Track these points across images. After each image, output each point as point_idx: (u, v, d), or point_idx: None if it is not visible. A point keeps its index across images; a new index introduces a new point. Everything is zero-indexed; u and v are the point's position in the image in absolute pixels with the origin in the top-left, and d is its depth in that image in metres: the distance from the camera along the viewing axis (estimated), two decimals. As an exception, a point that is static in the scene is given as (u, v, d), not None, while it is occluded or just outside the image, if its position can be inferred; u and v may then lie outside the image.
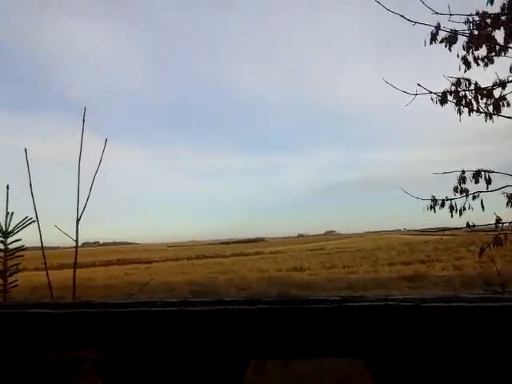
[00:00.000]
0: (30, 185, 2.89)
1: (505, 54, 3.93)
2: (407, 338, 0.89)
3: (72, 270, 3.24)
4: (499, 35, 3.94)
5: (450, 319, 0.89)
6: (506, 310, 0.88)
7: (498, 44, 3.89)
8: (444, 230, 4.69)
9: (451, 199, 4.26)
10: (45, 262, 3.00)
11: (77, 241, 2.85)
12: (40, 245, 3.02)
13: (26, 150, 2.68)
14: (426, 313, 0.90)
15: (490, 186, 4.16)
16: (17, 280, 3.20)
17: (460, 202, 4.25)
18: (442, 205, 4.27)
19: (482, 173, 4.15)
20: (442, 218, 4.42)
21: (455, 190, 4.27)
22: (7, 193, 3.13)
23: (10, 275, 3.23)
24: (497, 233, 4.17)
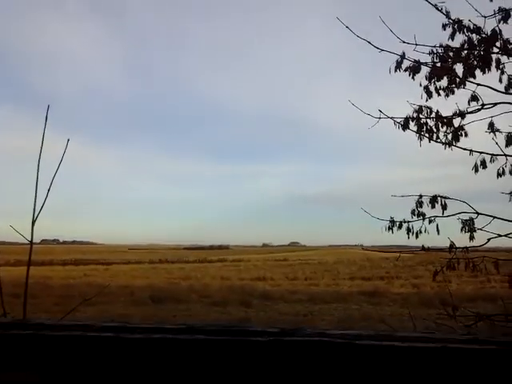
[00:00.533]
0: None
1: (464, 86, 4.14)
2: (339, 375, 0.89)
3: (31, 267, 3.15)
4: (460, 68, 4.16)
5: (382, 358, 0.89)
6: (437, 351, 0.88)
7: (458, 77, 4.09)
8: (401, 251, 4.84)
9: (408, 221, 4.40)
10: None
11: (31, 242, 2.80)
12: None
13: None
14: (358, 351, 0.90)
15: (445, 211, 4.34)
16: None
17: (417, 224, 4.40)
18: (400, 226, 4.41)
19: (439, 198, 4.32)
20: (402, 237, 4.56)
21: (413, 213, 4.41)
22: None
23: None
24: (450, 257, 4.33)
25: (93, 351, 0.91)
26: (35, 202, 3.02)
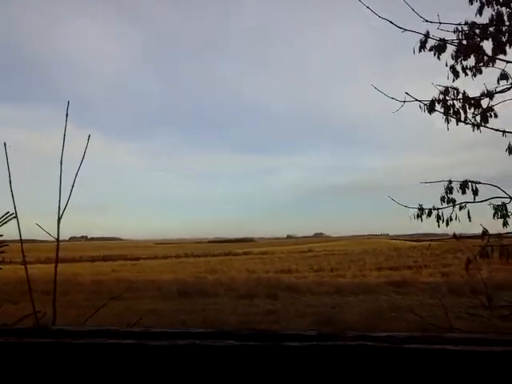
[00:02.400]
0: (10, 181, 2.83)
1: (493, 65, 3.95)
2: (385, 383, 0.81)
3: (60, 264, 3.18)
4: (488, 46, 3.97)
5: (432, 364, 0.80)
6: (495, 356, 0.78)
7: (487, 55, 3.91)
8: (431, 239, 4.69)
9: (438, 209, 4.25)
10: (24, 262, 2.95)
11: (58, 240, 2.80)
12: (25, 239, 2.98)
13: (5, 144, 2.62)
14: (406, 356, 0.82)
15: (476, 196, 4.17)
16: (-4, 277, 3.11)
17: (447, 211, 4.25)
18: (429, 214, 4.26)
19: (469, 183, 4.16)
20: (429, 225, 4.41)
21: (442, 199, 4.26)
22: (-13, 188, 3.06)
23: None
24: (483, 244, 4.17)
25: (114, 359, 0.85)
26: (60, 199, 3.02)
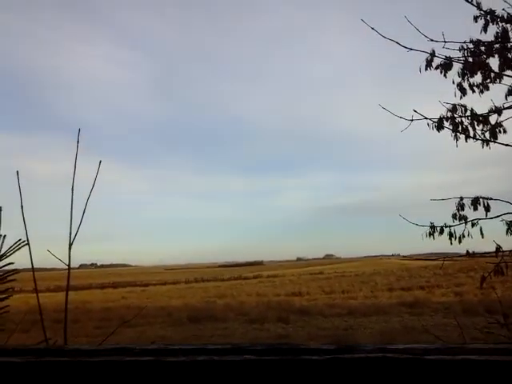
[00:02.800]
0: (22, 207, 2.85)
1: (500, 81, 3.97)
2: None
3: (70, 292, 3.16)
4: (494, 62, 3.99)
5: (456, 375, 0.77)
6: None
7: (493, 71, 3.93)
8: (444, 258, 4.61)
9: (450, 226, 4.20)
10: (36, 289, 2.93)
11: (69, 266, 2.79)
12: (36, 267, 2.97)
13: (17, 172, 2.64)
14: (428, 367, 0.78)
15: (488, 213, 4.13)
16: (8, 306, 3.11)
17: (459, 229, 4.20)
18: (441, 232, 4.22)
19: (481, 200, 4.12)
20: (440, 243, 4.36)
21: (454, 216, 4.22)
22: (-1, 215, 3.07)
23: (2, 300, 3.14)
24: (497, 261, 4.11)
25: (132, 377, 0.83)
26: (71, 225, 3.03)
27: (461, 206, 4.19)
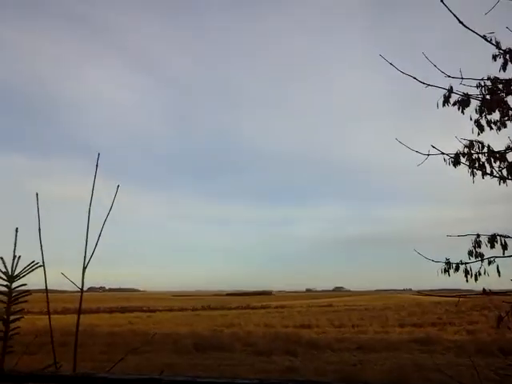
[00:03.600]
0: (39, 230, 2.89)
1: (517, 119, 3.98)
2: None
3: (75, 315, 3.16)
4: (511, 100, 4.01)
5: None
6: None
7: (511, 109, 3.95)
8: (460, 295, 4.52)
9: (466, 263, 4.14)
10: (48, 313, 2.94)
11: (82, 290, 2.80)
12: (47, 289, 2.99)
13: (37, 194, 2.69)
14: None
15: (506, 251, 4.07)
16: (19, 327, 3.12)
17: (475, 266, 4.14)
18: (457, 269, 4.15)
19: (498, 237, 4.07)
20: (452, 280, 4.28)
21: (470, 253, 4.16)
22: (16, 236, 3.12)
23: (13, 321, 3.15)
24: (514, 300, 4.02)
25: None
26: (86, 248, 3.04)
27: (477, 243, 4.13)
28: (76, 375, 0.96)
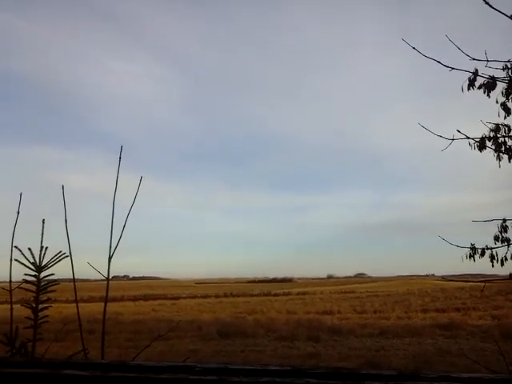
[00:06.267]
0: (66, 221, 2.93)
1: (546, 100, 3.86)
2: None
3: (101, 303, 3.23)
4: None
5: None
6: None
7: (539, 90, 3.84)
8: (485, 280, 4.47)
9: (491, 248, 4.08)
10: (76, 302, 3.00)
11: (108, 279, 2.85)
12: (74, 278, 3.05)
13: (63, 186, 2.73)
14: None
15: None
16: (47, 315, 3.20)
17: (501, 251, 4.07)
18: (482, 254, 4.09)
19: (525, 222, 4.00)
20: (475, 265, 4.21)
21: (496, 238, 4.09)
22: (43, 227, 3.18)
23: (41, 310, 3.23)
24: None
25: None
26: (111, 238, 3.09)
27: (504, 228, 4.06)
28: (111, 363, 0.98)
